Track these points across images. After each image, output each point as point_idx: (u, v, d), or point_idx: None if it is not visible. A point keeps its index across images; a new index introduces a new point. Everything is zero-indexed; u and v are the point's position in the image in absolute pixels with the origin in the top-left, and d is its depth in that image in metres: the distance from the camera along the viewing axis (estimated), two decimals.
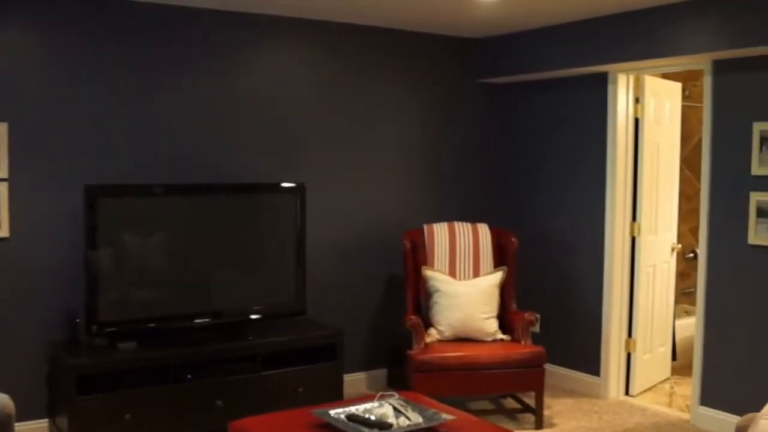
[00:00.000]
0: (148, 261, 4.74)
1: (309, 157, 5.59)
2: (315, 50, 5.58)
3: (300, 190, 5.23)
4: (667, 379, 6.20)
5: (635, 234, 5.68)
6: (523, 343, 5.20)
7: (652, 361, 5.94)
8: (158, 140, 5.00)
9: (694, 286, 5.39)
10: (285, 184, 5.24)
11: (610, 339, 5.67)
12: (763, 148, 4.65)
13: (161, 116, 5.01)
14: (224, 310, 4.95)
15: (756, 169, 4.68)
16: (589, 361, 5.76)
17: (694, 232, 6.61)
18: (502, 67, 6.09)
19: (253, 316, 5.03)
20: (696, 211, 5.41)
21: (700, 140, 5.16)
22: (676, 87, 6.08)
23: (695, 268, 5.27)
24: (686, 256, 6.95)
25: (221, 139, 5.24)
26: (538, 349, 5.07)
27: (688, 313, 6.99)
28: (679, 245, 6.22)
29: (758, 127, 4.66)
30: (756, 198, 4.69)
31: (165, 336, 4.70)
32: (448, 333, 5.26)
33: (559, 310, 5.99)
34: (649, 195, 5.74)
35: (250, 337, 4.86)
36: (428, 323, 5.32)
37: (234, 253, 5.01)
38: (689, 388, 5.37)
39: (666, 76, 5.97)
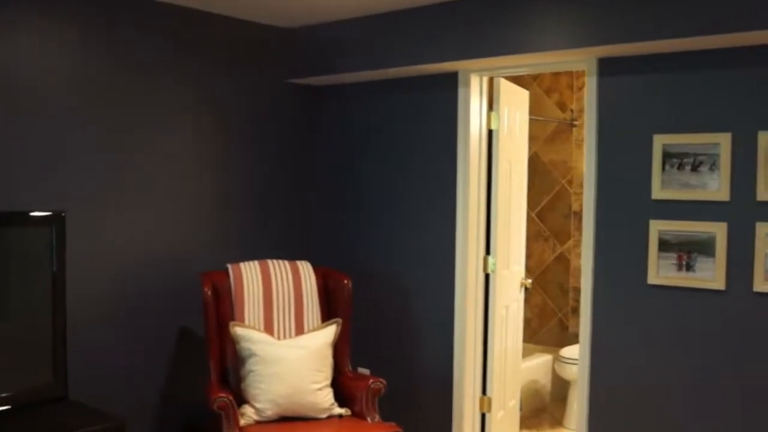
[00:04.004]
0: None
1: (69, 176, 4.02)
2: (73, 30, 4.01)
3: (57, 220, 3.68)
4: None
5: (489, 270, 4.66)
6: (369, 420, 3.98)
7: (505, 418, 4.94)
8: None
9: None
10: (35, 213, 3.65)
11: (463, 401, 4.61)
12: (666, 166, 3.76)
13: None
14: None
15: (657, 193, 3.80)
16: (441, 429, 4.65)
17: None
18: (326, 64, 4.85)
19: None
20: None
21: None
22: (525, 95, 5.15)
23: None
24: None
25: None
26: (393, 427, 3.88)
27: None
28: (529, 280, 5.29)
29: (660, 141, 3.78)
30: (658, 227, 3.80)
31: None
32: (269, 412, 3.93)
33: (399, 368, 4.83)
34: (504, 223, 4.75)
35: None
36: (242, 398, 3.96)
37: None
38: None
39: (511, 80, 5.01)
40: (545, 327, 6.42)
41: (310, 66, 4.91)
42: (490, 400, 4.71)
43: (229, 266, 4.31)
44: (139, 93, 4.27)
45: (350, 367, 4.34)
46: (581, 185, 5.93)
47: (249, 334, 4.05)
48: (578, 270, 6.20)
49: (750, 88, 3.53)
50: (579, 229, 6.17)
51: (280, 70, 4.98)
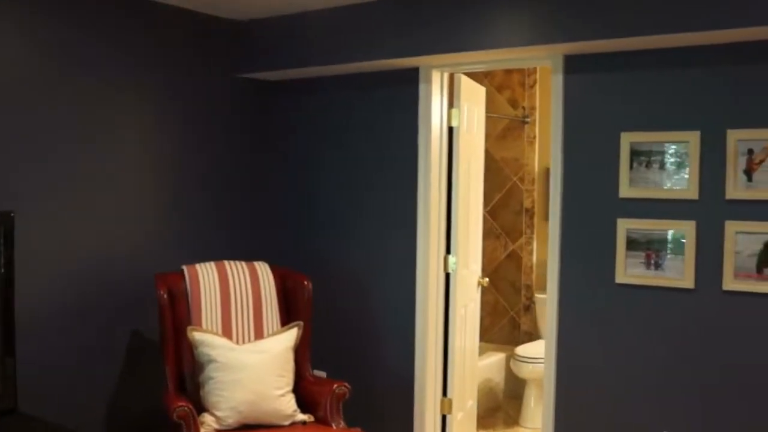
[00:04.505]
0: None
1: (21, 176, 3.79)
2: (16, 27, 3.78)
3: (5, 221, 3.46)
4: None
5: (450, 269, 4.58)
6: (334, 426, 3.87)
7: (464, 419, 4.88)
8: None
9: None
10: None
11: (425, 403, 4.52)
12: (634, 164, 3.74)
13: None
14: None
15: (625, 191, 3.77)
16: None
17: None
18: (281, 58, 4.69)
19: None
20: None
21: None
22: (482, 91, 5.09)
23: None
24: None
25: None
26: None
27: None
28: (486, 279, 5.23)
29: (627, 139, 3.76)
30: (626, 226, 3.77)
31: None
32: (231, 420, 3.77)
33: (359, 370, 4.71)
34: (464, 221, 4.68)
35: None
36: (201, 406, 3.80)
37: None
38: None
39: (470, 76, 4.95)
40: (497, 325, 6.39)
41: (264, 60, 4.75)
42: (450, 402, 4.64)
43: (185, 268, 4.14)
44: (87, 90, 4.06)
45: (312, 373, 4.21)
46: (533, 182, 5.93)
47: (208, 338, 3.89)
48: (530, 268, 6.18)
49: (719, 86, 3.53)
50: (531, 226, 6.15)
51: (233, 65, 4.81)
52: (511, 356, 5.63)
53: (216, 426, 3.75)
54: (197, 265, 4.17)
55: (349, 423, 3.98)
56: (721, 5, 3.28)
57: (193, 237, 4.63)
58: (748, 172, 3.46)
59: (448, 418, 4.65)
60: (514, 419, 5.64)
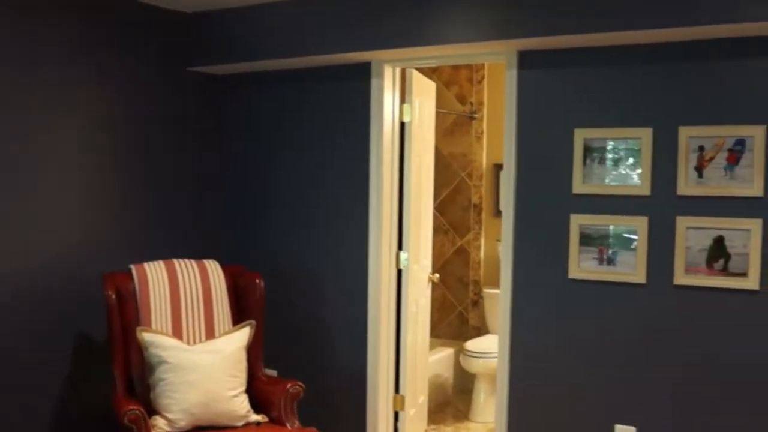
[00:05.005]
0: None
1: None
2: None
3: None
4: (426, 431, 5.21)
5: (402, 266, 4.57)
6: (289, 426, 3.82)
7: (415, 415, 4.88)
8: None
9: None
10: None
11: (377, 400, 4.50)
12: (587, 160, 3.77)
13: None
14: None
15: (578, 187, 3.80)
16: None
17: None
18: (231, 51, 4.60)
19: None
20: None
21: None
22: (433, 87, 5.08)
23: None
24: None
25: None
26: None
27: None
28: (436, 275, 5.23)
29: (581, 135, 3.78)
30: (579, 222, 3.80)
31: None
32: (183, 423, 3.69)
33: (311, 368, 4.66)
34: (415, 217, 4.67)
35: None
36: (152, 409, 3.71)
37: None
38: None
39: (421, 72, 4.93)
40: (445, 320, 6.41)
41: (213, 54, 4.66)
42: (403, 398, 4.62)
43: (133, 267, 4.04)
44: (23, 90, 3.89)
45: (265, 372, 4.15)
46: (481, 178, 5.95)
47: (158, 339, 3.80)
48: (478, 263, 6.21)
49: (671, 83, 3.58)
50: (479, 222, 6.17)
51: (180, 59, 4.70)
52: (460, 351, 5.64)
53: (168, 429, 3.66)
54: (146, 265, 4.07)
55: (303, 422, 3.93)
56: (671, 4, 3.32)
57: (142, 237, 4.52)
58: (699, 169, 3.51)
59: (401, 414, 4.64)
60: (464, 414, 5.65)
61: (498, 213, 5.92)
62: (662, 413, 3.66)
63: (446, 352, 6.03)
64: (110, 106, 4.33)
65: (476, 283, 6.21)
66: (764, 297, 3.42)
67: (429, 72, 6.19)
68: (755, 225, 3.43)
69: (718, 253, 3.50)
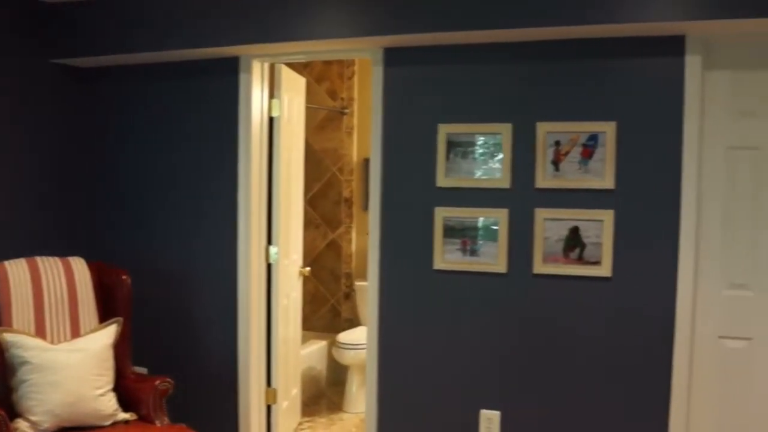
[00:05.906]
0: None
1: None
2: None
3: None
4: (300, 424, 5.26)
5: (272, 260, 4.59)
6: (158, 423, 3.78)
7: (288, 408, 4.92)
8: None
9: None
10: None
11: (249, 394, 4.50)
12: (451, 155, 3.90)
13: None
14: None
15: (442, 181, 3.93)
16: (226, 426, 4.52)
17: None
18: (95, 43, 4.49)
19: None
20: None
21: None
22: (303, 82, 5.12)
23: None
24: None
25: None
26: (183, 429, 3.72)
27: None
28: (307, 269, 5.28)
29: (444, 130, 3.91)
30: (443, 214, 3.94)
31: None
32: (47, 424, 3.60)
33: (182, 365, 4.62)
34: (285, 212, 4.71)
35: None
36: (14, 412, 3.60)
37: None
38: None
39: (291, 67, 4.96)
40: (318, 313, 6.46)
41: (78, 45, 4.53)
42: (275, 392, 4.65)
43: None
44: None
45: (133, 370, 4.09)
46: (352, 173, 6.03)
47: (20, 339, 3.68)
48: (350, 256, 6.29)
49: (530, 80, 3.75)
50: (350, 216, 6.26)
51: (44, 50, 4.54)
52: (332, 343, 5.71)
53: (31, 431, 3.56)
54: (6, 263, 3.93)
55: (173, 419, 3.90)
56: (529, 6, 3.49)
57: (4, 235, 4.35)
58: (556, 163, 3.70)
59: (273, 407, 4.66)
60: (338, 405, 5.73)
61: (368, 207, 6.01)
62: (525, 396, 3.84)
63: (319, 345, 6.09)
64: None
65: (348, 276, 6.30)
66: (616, 283, 3.65)
67: (300, 67, 6.22)
68: (607, 216, 3.64)
69: (574, 242, 3.70)
